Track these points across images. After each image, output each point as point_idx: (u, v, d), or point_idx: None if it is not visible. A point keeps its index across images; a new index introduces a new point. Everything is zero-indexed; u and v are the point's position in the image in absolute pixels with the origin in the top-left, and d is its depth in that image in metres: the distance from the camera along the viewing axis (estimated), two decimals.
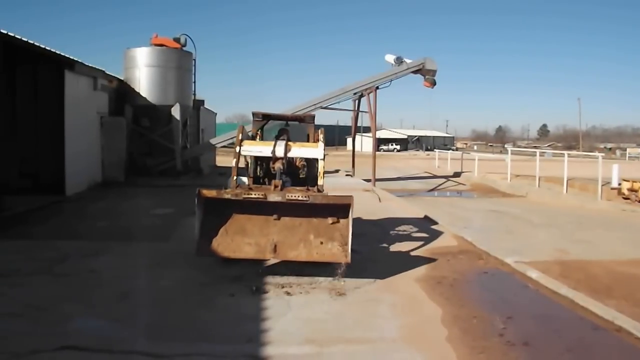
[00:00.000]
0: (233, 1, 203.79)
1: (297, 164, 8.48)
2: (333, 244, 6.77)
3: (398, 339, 5.16)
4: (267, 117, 8.96)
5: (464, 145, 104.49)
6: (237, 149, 7.52)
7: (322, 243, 6.78)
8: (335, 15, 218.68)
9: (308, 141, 8.55)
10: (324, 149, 7.67)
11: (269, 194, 6.79)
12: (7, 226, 10.15)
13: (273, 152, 7.48)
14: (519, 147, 78.93)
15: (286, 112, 18.41)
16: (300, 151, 7.67)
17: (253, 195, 6.74)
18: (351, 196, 6.77)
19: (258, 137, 8.96)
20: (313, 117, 9.05)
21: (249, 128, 9.55)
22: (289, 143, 7.58)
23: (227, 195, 6.83)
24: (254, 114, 8.78)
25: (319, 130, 8.11)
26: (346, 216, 6.77)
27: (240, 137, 7.59)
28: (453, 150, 62.76)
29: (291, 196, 6.76)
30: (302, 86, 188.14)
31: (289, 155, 7.58)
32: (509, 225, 12.07)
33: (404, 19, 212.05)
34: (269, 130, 9.57)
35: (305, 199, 6.72)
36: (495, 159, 36.24)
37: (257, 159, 8.33)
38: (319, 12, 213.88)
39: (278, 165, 7.58)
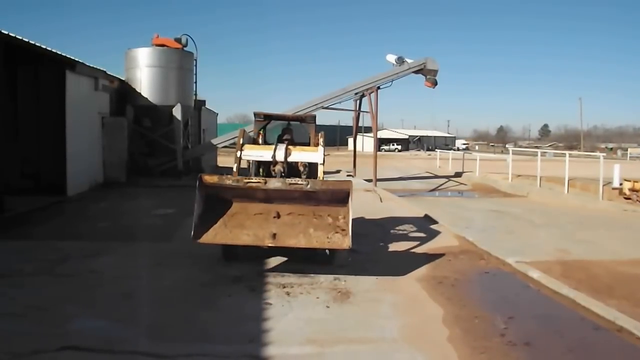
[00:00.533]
0: (234, 3, 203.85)
1: (298, 166, 8.53)
2: (333, 232, 6.82)
3: (399, 339, 5.16)
4: (268, 118, 9.05)
5: (465, 144, 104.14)
6: (238, 153, 7.60)
7: (321, 233, 6.83)
8: (337, 17, 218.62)
9: (309, 141, 8.66)
10: (324, 152, 7.73)
11: (269, 181, 6.96)
12: (9, 227, 10.17)
13: (273, 156, 7.58)
14: (520, 147, 78.87)
15: (288, 112, 18.66)
16: (300, 155, 7.76)
17: (254, 180, 6.95)
18: (350, 181, 6.92)
19: (260, 137, 9.02)
20: (314, 117, 9.14)
21: (250, 128, 9.60)
22: (289, 147, 7.66)
23: (229, 181, 6.91)
24: (255, 114, 8.84)
25: (320, 134, 8.17)
26: (346, 203, 6.80)
27: (241, 142, 7.64)
28: (460, 149, 61.58)
29: (291, 182, 6.92)
30: (304, 87, 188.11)
31: (289, 159, 7.65)
32: (510, 225, 12.06)
33: (405, 20, 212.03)
34: (271, 130, 9.68)
35: (304, 183, 6.88)
36: (496, 159, 36.22)
37: (258, 161, 8.40)
38: (321, 13, 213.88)
39: (279, 167, 7.61)
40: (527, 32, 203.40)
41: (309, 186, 6.81)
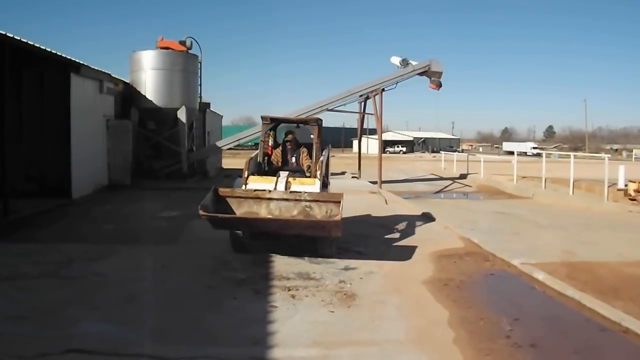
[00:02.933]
0: (237, 3, 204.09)
1: (302, 162, 9.25)
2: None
3: (405, 341, 5.14)
4: (275, 121, 9.62)
5: (470, 147, 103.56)
6: (244, 186, 8.38)
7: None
8: (340, 15, 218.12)
9: (312, 142, 9.20)
10: (321, 183, 8.47)
11: (273, 193, 8.06)
12: (13, 229, 10.19)
13: (275, 188, 8.26)
14: None
15: (294, 113, 19.46)
16: (299, 188, 8.37)
17: (260, 189, 8.12)
18: (341, 193, 8.02)
19: (271, 138, 9.60)
20: (317, 120, 9.62)
21: (254, 130, 9.93)
22: (289, 180, 8.36)
23: (239, 192, 8.12)
24: (263, 118, 9.44)
25: (320, 161, 8.79)
26: (338, 205, 7.76)
27: (246, 175, 8.42)
28: (527, 154, 54.58)
29: (291, 190, 8.11)
30: (308, 87, 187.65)
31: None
32: (515, 227, 12.01)
33: (409, 19, 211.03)
34: (279, 130, 10.12)
35: (301, 192, 8.04)
36: (501, 161, 36.14)
37: (264, 157, 9.28)
38: (323, 12, 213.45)
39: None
40: (531, 30, 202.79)
41: (306, 195, 7.95)
